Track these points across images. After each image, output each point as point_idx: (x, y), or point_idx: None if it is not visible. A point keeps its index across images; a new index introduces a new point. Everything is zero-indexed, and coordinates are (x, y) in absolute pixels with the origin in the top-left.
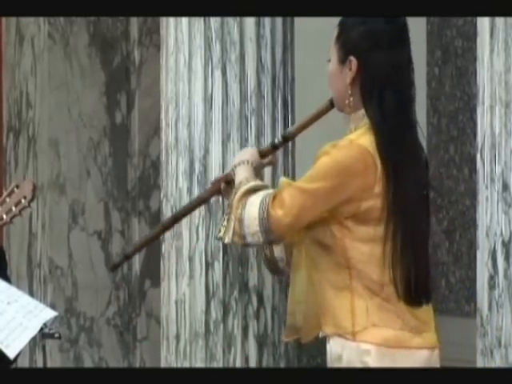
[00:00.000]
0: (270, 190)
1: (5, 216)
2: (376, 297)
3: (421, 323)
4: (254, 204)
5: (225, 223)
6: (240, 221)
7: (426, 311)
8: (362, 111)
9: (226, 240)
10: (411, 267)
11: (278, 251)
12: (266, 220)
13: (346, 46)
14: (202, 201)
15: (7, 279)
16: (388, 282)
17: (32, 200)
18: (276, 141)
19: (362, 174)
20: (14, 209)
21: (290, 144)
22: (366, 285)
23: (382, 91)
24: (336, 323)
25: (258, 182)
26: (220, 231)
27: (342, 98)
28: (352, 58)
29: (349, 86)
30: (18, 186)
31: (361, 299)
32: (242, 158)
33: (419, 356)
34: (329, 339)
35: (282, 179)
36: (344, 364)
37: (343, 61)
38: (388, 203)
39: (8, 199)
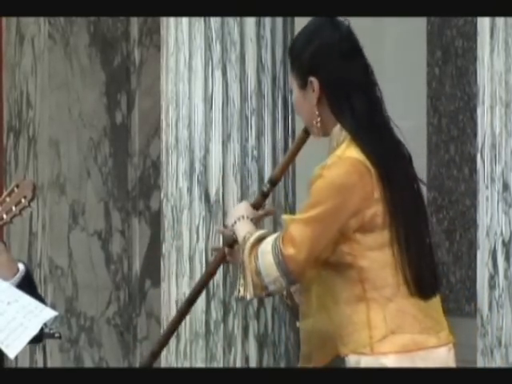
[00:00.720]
0: (276, 234)
1: (5, 216)
2: (392, 303)
3: (435, 323)
4: (266, 252)
5: (242, 281)
6: (258, 273)
7: (439, 310)
8: (338, 126)
9: (249, 296)
10: (418, 262)
11: (298, 296)
12: (283, 263)
13: (302, 69)
14: (211, 274)
15: (41, 299)
16: (403, 282)
17: (32, 200)
18: (264, 188)
19: (359, 184)
20: (14, 208)
21: (290, 144)
22: (382, 293)
23: (349, 100)
24: (354, 340)
25: (261, 232)
26: (239, 291)
27: (312, 121)
28: (312, 79)
29: (315, 106)
30: (18, 186)
31: (378, 309)
32: (237, 215)
33: (437, 355)
34: (344, 360)
35: (284, 217)
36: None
37: (304, 85)
38: (388, 206)
39: (8, 199)
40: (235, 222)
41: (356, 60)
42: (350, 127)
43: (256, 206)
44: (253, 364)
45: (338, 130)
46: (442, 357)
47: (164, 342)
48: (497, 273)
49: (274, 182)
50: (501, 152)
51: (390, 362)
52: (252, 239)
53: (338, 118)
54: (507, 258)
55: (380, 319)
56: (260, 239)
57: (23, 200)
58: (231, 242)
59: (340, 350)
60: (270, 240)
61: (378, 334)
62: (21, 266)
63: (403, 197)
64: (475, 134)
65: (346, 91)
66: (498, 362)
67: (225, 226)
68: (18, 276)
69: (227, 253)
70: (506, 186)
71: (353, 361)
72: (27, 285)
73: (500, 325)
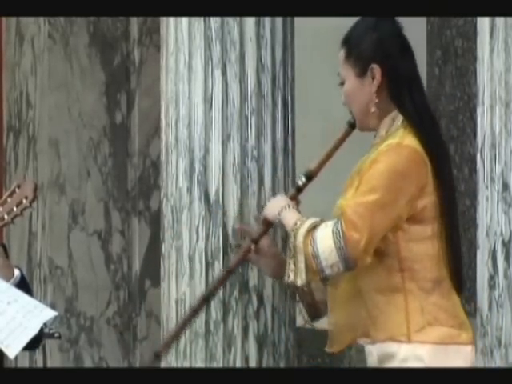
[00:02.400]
0: (331, 221)
1: (6, 216)
2: (430, 296)
3: (465, 320)
4: (325, 237)
5: (292, 267)
6: (315, 257)
7: (464, 310)
8: (392, 115)
9: (299, 282)
10: (460, 258)
11: (319, 294)
12: (344, 248)
13: (363, 57)
14: (231, 271)
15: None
16: (445, 278)
17: (33, 200)
18: (300, 182)
19: (415, 173)
20: (15, 209)
21: (290, 144)
22: (421, 285)
23: (410, 91)
24: (389, 328)
25: (314, 219)
26: (289, 276)
27: (367, 110)
28: (375, 66)
29: (374, 94)
30: (19, 186)
31: (415, 300)
32: (282, 205)
33: (467, 352)
34: (374, 344)
35: (339, 201)
36: (397, 362)
37: (362, 73)
38: (439, 199)
39: (9, 199)
40: (281, 211)
41: (412, 54)
42: (410, 117)
43: (291, 199)
44: (252, 364)
45: (389, 119)
46: (469, 354)
47: (172, 340)
48: (496, 273)
49: (310, 177)
50: (500, 152)
51: (426, 352)
52: (307, 225)
53: (399, 106)
54: (507, 258)
55: (417, 310)
56: (315, 226)
57: (24, 200)
58: (257, 238)
59: (372, 335)
60: (328, 225)
61: (416, 325)
62: (16, 272)
63: (453, 193)
64: (475, 134)
65: (407, 82)
66: (497, 361)
67: (257, 217)
68: (13, 281)
69: (253, 249)
70: (505, 186)
71: (392, 347)
72: (22, 290)
73: (500, 325)
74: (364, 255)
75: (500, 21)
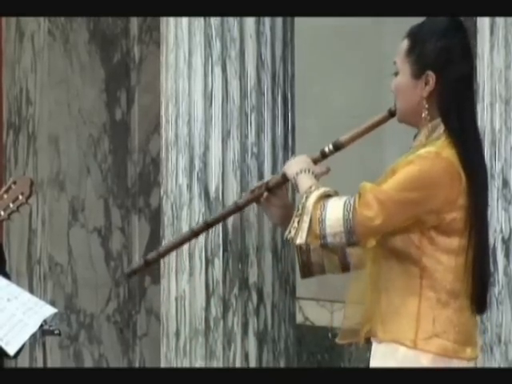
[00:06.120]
0: (346, 196)
1: (2, 212)
2: (445, 309)
3: (472, 336)
4: (336, 206)
5: (295, 225)
6: (320, 221)
7: (476, 324)
8: (435, 122)
9: (299, 240)
10: (486, 277)
11: (316, 256)
12: (351, 221)
13: (423, 60)
14: (239, 207)
15: (6, 276)
16: (462, 293)
17: (30, 196)
18: (326, 149)
19: (447, 186)
20: (11, 205)
21: (290, 141)
22: (438, 296)
23: (459, 105)
24: (398, 330)
25: (329, 189)
26: (290, 232)
27: (414, 111)
28: (430, 73)
29: (424, 99)
30: (15, 182)
31: (429, 309)
32: (302, 167)
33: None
34: (380, 342)
35: (364, 183)
36: (397, 361)
37: (418, 75)
38: (471, 215)
39: (5, 195)
40: (300, 172)
41: (471, 66)
42: (454, 131)
43: (314, 162)
44: (252, 361)
45: (432, 126)
46: None
47: (164, 252)
48: (496, 270)
49: (338, 147)
50: (500, 149)
51: (428, 361)
52: (321, 191)
53: (445, 118)
54: (507, 255)
55: (429, 319)
56: (328, 195)
57: (20, 196)
58: (271, 188)
59: (378, 334)
60: (342, 197)
61: (424, 333)
62: None
63: (484, 209)
64: None
65: (459, 95)
66: (497, 358)
67: (283, 176)
68: None
69: (265, 196)
70: (505, 183)
71: (390, 348)
72: None
73: (500, 322)
74: (369, 235)
75: (500, 18)
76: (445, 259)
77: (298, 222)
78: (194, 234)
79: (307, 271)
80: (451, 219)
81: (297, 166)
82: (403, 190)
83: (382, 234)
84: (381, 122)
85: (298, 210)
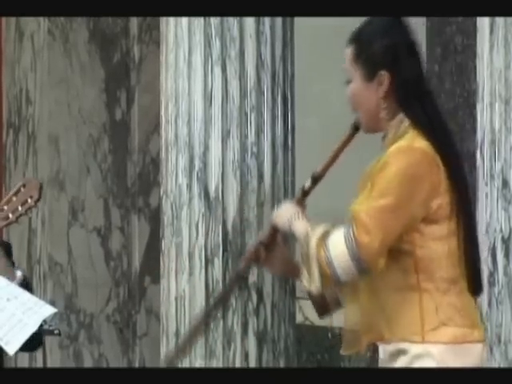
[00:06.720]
0: (344, 226)
1: (11, 215)
2: (446, 296)
3: (476, 318)
4: (337, 243)
5: (306, 275)
6: (328, 263)
7: (477, 307)
8: (399, 117)
9: (315, 289)
10: (477, 256)
11: (329, 293)
12: (356, 253)
13: (372, 61)
14: (241, 276)
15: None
16: (460, 277)
17: (38, 200)
18: (306, 186)
19: (428, 174)
20: (20, 208)
21: (289, 140)
22: (437, 285)
23: (418, 95)
24: (403, 327)
25: (325, 226)
26: (304, 284)
27: (375, 115)
28: (383, 72)
29: (381, 99)
30: (24, 186)
31: (431, 300)
32: (291, 214)
33: (476, 349)
34: (389, 343)
35: (351, 207)
36: (407, 358)
37: (371, 77)
38: (454, 198)
39: (14, 198)
40: (292, 220)
41: (420, 58)
42: (420, 122)
43: (298, 204)
44: (252, 361)
45: (397, 121)
46: (479, 352)
47: (180, 353)
48: (496, 269)
49: (316, 179)
50: (500, 149)
51: (437, 351)
52: (318, 232)
53: (407, 112)
54: (507, 255)
55: (432, 310)
56: (326, 233)
57: (29, 200)
58: (267, 243)
59: (386, 335)
60: (340, 231)
61: (430, 324)
62: (18, 273)
63: (466, 191)
64: (475, 131)
65: (415, 88)
66: (497, 358)
67: (273, 228)
68: (15, 283)
69: (264, 256)
70: (505, 183)
71: (401, 348)
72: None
73: (500, 322)
74: (377, 258)
75: (500, 18)
76: (438, 247)
77: (308, 270)
78: (207, 315)
79: (324, 311)
80: (437, 206)
81: (285, 215)
82: (390, 195)
83: (388, 247)
84: (348, 141)
85: (303, 259)
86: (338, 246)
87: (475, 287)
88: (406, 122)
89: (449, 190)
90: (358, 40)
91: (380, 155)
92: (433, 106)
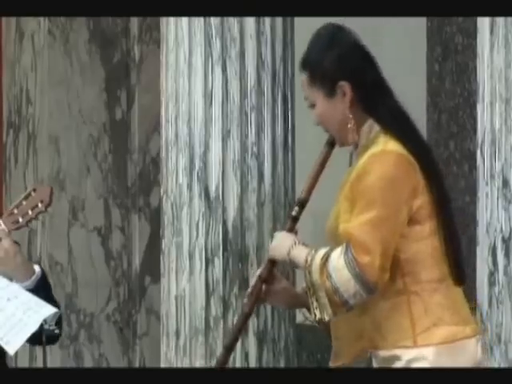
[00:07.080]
0: (340, 248)
1: (21, 219)
2: (433, 296)
3: (467, 313)
4: (339, 268)
5: (315, 304)
6: (335, 291)
7: (466, 302)
8: (368, 123)
9: (327, 317)
10: (459, 250)
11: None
12: (361, 275)
13: (328, 77)
14: (248, 314)
15: (55, 303)
16: (447, 275)
17: (49, 205)
18: (294, 212)
19: (406, 177)
20: (30, 212)
21: (290, 140)
22: (424, 286)
23: (382, 99)
24: (394, 333)
25: (321, 250)
26: (315, 315)
27: (344, 127)
28: (342, 83)
29: (348, 109)
30: (35, 190)
31: (419, 302)
32: (288, 244)
33: (470, 345)
34: (382, 350)
35: (341, 227)
36: (402, 364)
37: (331, 92)
38: (433, 196)
39: (24, 202)
40: (289, 251)
41: (374, 61)
42: (388, 124)
43: (290, 232)
44: (252, 360)
45: (366, 127)
46: (474, 346)
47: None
48: (496, 269)
49: (302, 204)
50: (501, 148)
51: (430, 353)
52: (318, 259)
53: (374, 116)
54: (507, 255)
55: (421, 312)
56: (326, 258)
57: (40, 204)
58: (266, 277)
59: (378, 343)
60: (338, 255)
61: (421, 326)
62: (37, 268)
63: (443, 189)
64: (475, 131)
65: (376, 90)
66: (497, 358)
67: (271, 262)
68: (34, 279)
69: (264, 291)
70: (505, 183)
71: (395, 354)
72: (43, 288)
73: (500, 321)
74: (382, 274)
75: (500, 18)
76: (421, 247)
77: (317, 300)
78: (224, 359)
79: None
80: (418, 206)
81: (283, 247)
82: (377, 205)
83: (389, 262)
84: (326, 158)
85: (309, 290)
86: (340, 271)
87: (459, 276)
88: (376, 127)
89: (427, 189)
90: (309, 63)
91: (354, 163)
92: (396, 105)
